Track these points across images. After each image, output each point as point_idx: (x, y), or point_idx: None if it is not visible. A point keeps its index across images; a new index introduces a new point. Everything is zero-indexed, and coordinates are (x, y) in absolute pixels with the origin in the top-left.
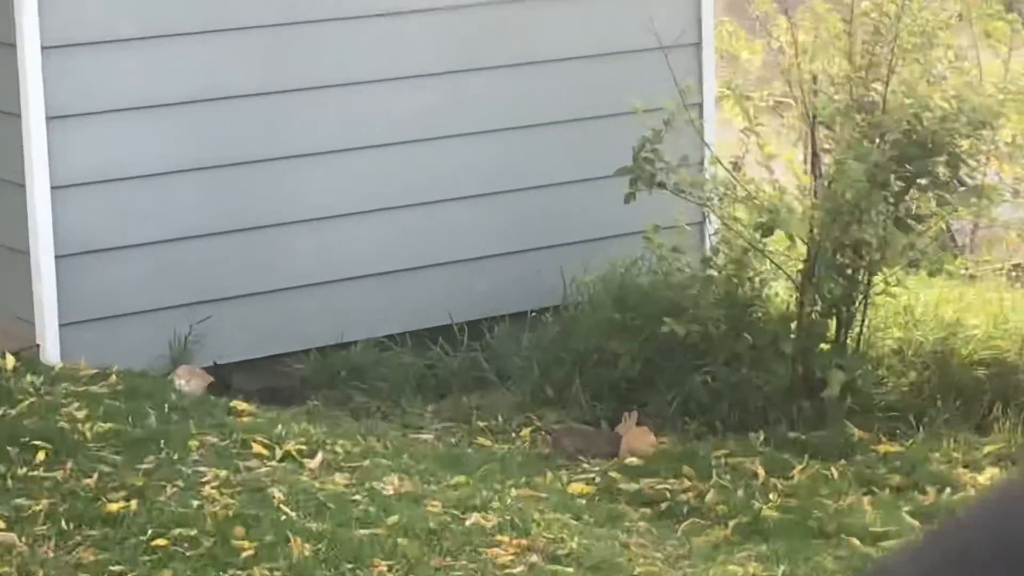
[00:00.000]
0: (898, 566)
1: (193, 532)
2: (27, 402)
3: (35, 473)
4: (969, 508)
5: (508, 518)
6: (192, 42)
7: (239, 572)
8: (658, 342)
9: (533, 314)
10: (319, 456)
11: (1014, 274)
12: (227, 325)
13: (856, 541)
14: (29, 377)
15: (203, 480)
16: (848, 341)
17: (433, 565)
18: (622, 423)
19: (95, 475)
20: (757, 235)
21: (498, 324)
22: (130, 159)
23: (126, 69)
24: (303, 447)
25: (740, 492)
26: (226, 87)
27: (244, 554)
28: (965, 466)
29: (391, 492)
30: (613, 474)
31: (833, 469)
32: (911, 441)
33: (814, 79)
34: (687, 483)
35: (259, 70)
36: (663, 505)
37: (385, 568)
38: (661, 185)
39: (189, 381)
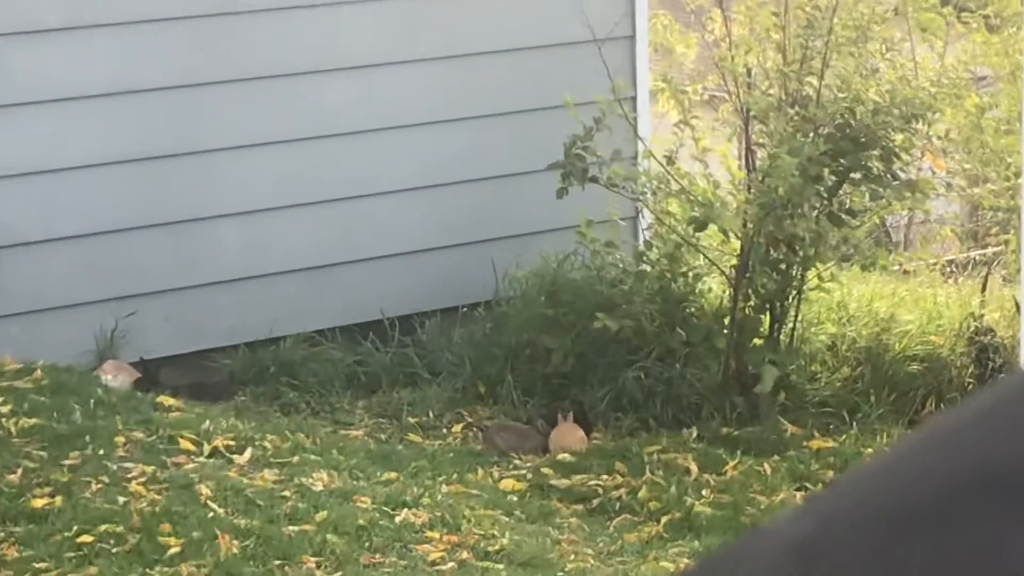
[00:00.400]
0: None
1: (119, 529)
2: None
3: None
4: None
5: (439, 515)
6: (118, 33)
7: (166, 569)
8: (591, 338)
9: (465, 309)
10: (247, 452)
11: (948, 270)
12: (154, 320)
13: None
14: None
15: (129, 476)
16: (781, 337)
17: (363, 562)
18: (559, 424)
19: (19, 471)
20: (691, 230)
21: (429, 319)
22: (55, 151)
23: (51, 60)
24: (231, 443)
25: (672, 488)
26: (152, 79)
27: (171, 551)
28: None
29: (320, 488)
30: (545, 470)
31: (766, 465)
32: (844, 437)
33: (748, 73)
34: (619, 479)
35: (186, 61)
36: (595, 501)
37: (314, 565)
38: (593, 180)
39: (116, 376)
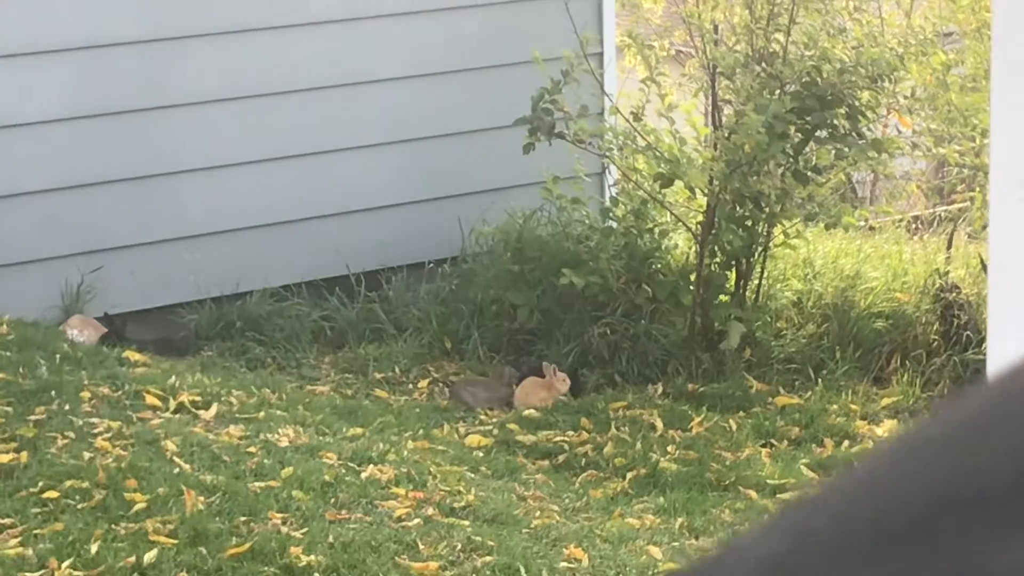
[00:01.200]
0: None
1: (85, 484)
2: None
3: None
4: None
5: (404, 471)
6: None
7: (131, 525)
8: (556, 294)
9: (431, 265)
10: (213, 408)
11: (913, 226)
12: (119, 275)
13: (754, 493)
14: None
15: (95, 432)
16: (747, 293)
17: (328, 518)
18: (546, 376)
19: None
20: (657, 186)
21: (395, 275)
22: (17, 106)
23: (13, 14)
24: (197, 399)
25: (638, 444)
26: (116, 34)
27: (136, 507)
28: (863, 418)
29: (286, 444)
30: (511, 426)
31: (731, 421)
32: (809, 393)
33: (715, 29)
34: (585, 436)
35: (149, 17)
36: (560, 457)
37: (280, 521)
38: (560, 136)
39: (82, 331)
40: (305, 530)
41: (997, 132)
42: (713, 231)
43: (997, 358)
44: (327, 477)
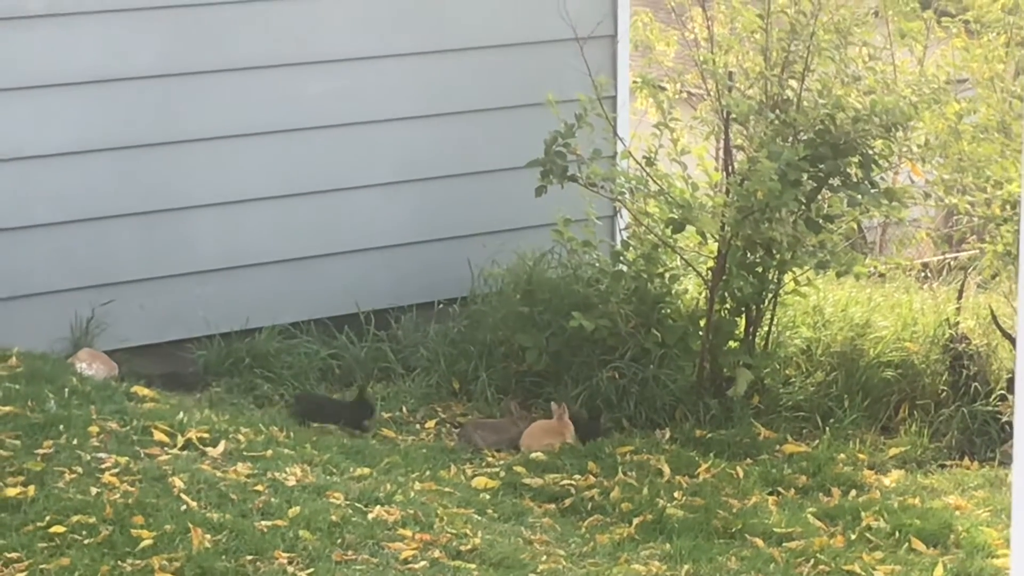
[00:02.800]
0: None
1: (92, 520)
2: None
3: None
4: None
5: (411, 512)
6: (100, 20)
7: (137, 562)
8: (566, 336)
9: (440, 305)
10: (221, 445)
11: (923, 274)
12: (129, 309)
13: (760, 541)
14: None
15: (103, 467)
16: (756, 340)
17: (334, 559)
18: (555, 413)
19: None
20: (668, 231)
21: (405, 314)
22: (33, 138)
23: (32, 46)
24: (205, 435)
25: (645, 490)
26: (131, 67)
27: (143, 543)
28: (870, 468)
29: (294, 483)
30: (518, 468)
31: (739, 468)
32: (817, 441)
33: (729, 75)
34: (591, 479)
35: (165, 51)
36: (567, 501)
37: (286, 561)
38: (572, 179)
39: (91, 364)
40: (311, 570)
41: None
42: (724, 277)
43: None
44: (334, 517)
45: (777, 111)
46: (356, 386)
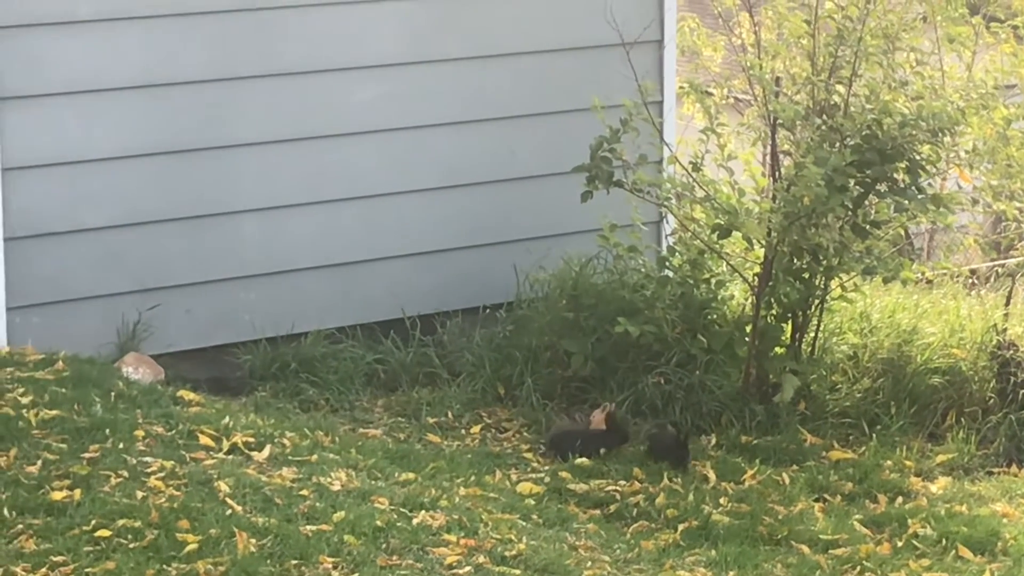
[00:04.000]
0: None
1: (137, 524)
2: None
3: None
4: None
5: (456, 517)
6: (147, 26)
7: (182, 566)
8: (611, 342)
9: (486, 310)
10: (266, 449)
11: (971, 280)
12: (175, 313)
13: (806, 548)
14: None
15: (148, 471)
16: (803, 346)
17: (379, 564)
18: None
19: (39, 463)
20: (714, 237)
21: (450, 319)
22: (81, 143)
23: (80, 51)
24: (250, 439)
25: (690, 496)
26: (180, 72)
27: (188, 548)
28: (917, 475)
29: (338, 488)
30: (562, 474)
31: (785, 475)
32: (864, 448)
33: (776, 81)
34: (637, 485)
35: (213, 56)
36: (612, 507)
37: (331, 566)
38: (618, 184)
39: (137, 369)
40: (356, 575)
41: None
42: (770, 283)
43: None
44: (379, 522)
45: (824, 116)
46: (604, 411)
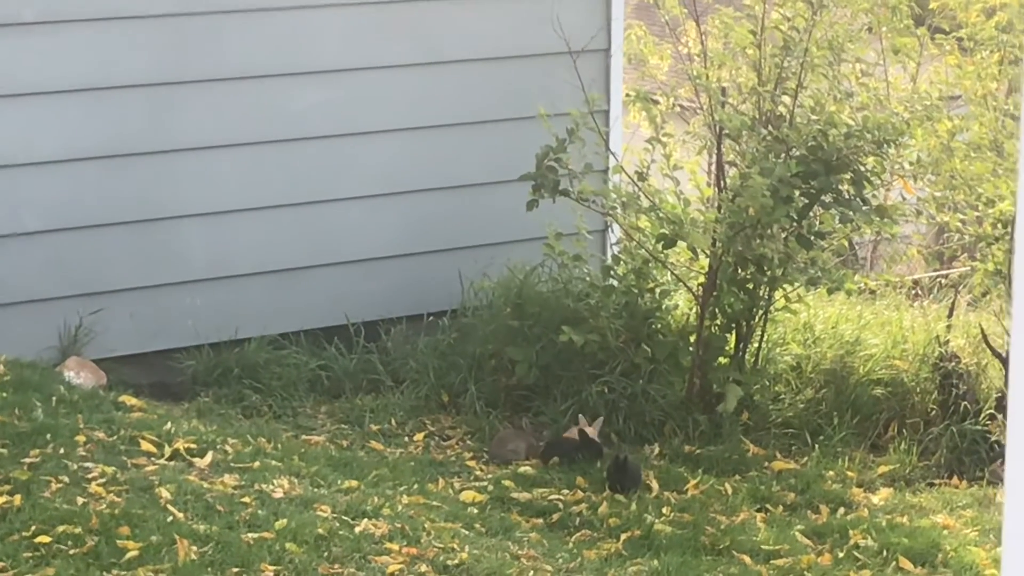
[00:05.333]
0: None
1: (77, 530)
2: None
3: None
4: None
5: (398, 526)
6: (91, 29)
7: (123, 573)
8: (556, 351)
9: (430, 317)
10: (208, 456)
11: (913, 291)
12: (118, 318)
13: (748, 558)
14: None
15: (89, 477)
16: (747, 356)
17: (321, 572)
18: (580, 423)
19: None
20: (659, 246)
21: (394, 326)
22: (23, 145)
23: (24, 54)
24: (193, 446)
25: (633, 505)
26: (123, 76)
27: (129, 554)
28: (859, 485)
29: (281, 495)
30: (506, 483)
31: (727, 485)
32: (806, 459)
33: (722, 90)
34: (580, 494)
35: (157, 60)
36: (555, 516)
37: (272, 574)
38: (564, 193)
39: (79, 373)
40: None
41: None
42: (714, 293)
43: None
44: (321, 530)
45: (770, 127)
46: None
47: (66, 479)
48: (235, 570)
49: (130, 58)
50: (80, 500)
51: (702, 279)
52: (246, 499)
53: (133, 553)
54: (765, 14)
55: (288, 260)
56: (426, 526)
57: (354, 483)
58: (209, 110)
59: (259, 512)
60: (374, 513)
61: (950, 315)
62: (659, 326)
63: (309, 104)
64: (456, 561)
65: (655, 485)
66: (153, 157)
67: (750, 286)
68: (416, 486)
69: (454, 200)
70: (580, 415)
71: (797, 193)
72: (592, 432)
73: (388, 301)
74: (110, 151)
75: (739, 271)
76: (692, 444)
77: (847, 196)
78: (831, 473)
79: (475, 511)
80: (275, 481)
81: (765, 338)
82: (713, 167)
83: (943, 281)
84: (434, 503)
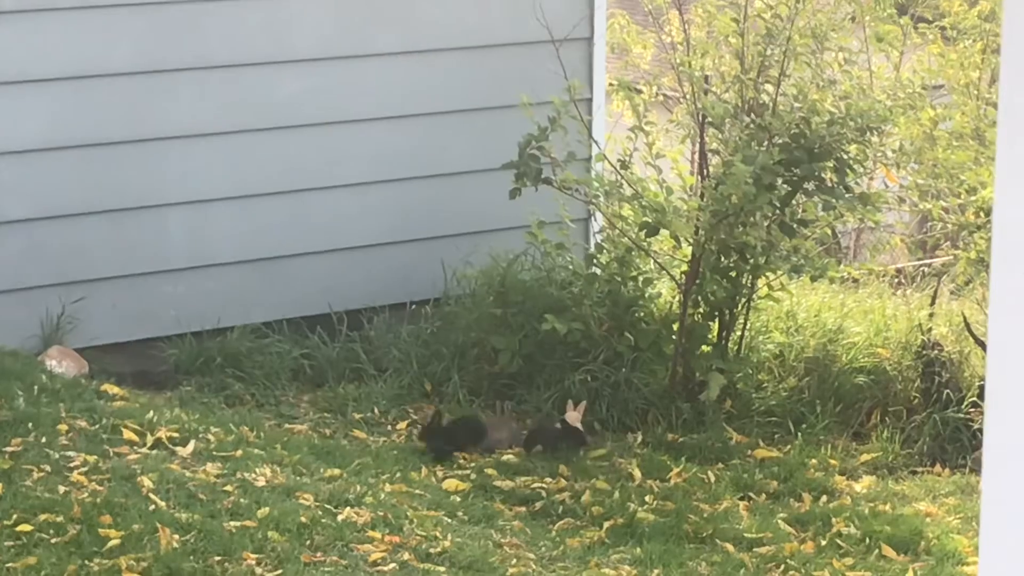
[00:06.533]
0: None
1: (59, 519)
2: None
3: None
4: None
5: (381, 514)
6: (73, 17)
7: (105, 561)
8: (539, 339)
9: (413, 306)
10: (191, 444)
11: (896, 280)
12: (100, 306)
13: (731, 546)
14: None
15: (71, 465)
16: (729, 344)
17: (303, 560)
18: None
19: None
20: (642, 234)
21: (377, 315)
22: (6, 134)
23: (5, 42)
24: (175, 434)
25: (616, 493)
26: (104, 64)
27: (111, 543)
28: (842, 473)
29: (263, 484)
30: (488, 471)
31: (710, 473)
32: (789, 447)
33: (705, 79)
34: (563, 483)
35: (140, 48)
36: (538, 504)
37: (254, 562)
38: (547, 181)
39: (61, 362)
40: (279, 572)
41: (1002, 204)
42: (697, 281)
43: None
44: (303, 518)
45: (752, 115)
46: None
47: (48, 468)
48: (217, 558)
49: (113, 47)
50: (62, 489)
51: (685, 267)
52: (228, 487)
53: (115, 542)
54: (748, 2)
55: (270, 249)
56: (409, 514)
57: (337, 471)
58: (192, 98)
59: (241, 500)
60: (356, 501)
61: (933, 303)
62: (642, 314)
63: (292, 92)
64: (439, 549)
65: (638, 473)
66: (135, 145)
67: (733, 274)
68: (399, 474)
69: (437, 188)
70: (570, 400)
71: (780, 181)
72: (576, 418)
73: (371, 290)
74: (92, 139)
75: (722, 259)
76: (675, 432)
77: (830, 184)
78: (814, 461)
79: (458, 499)
80: (257, 469)
81: (748, 326)
82: (696, 155)
83: (926, 269)
84: (417, 491)
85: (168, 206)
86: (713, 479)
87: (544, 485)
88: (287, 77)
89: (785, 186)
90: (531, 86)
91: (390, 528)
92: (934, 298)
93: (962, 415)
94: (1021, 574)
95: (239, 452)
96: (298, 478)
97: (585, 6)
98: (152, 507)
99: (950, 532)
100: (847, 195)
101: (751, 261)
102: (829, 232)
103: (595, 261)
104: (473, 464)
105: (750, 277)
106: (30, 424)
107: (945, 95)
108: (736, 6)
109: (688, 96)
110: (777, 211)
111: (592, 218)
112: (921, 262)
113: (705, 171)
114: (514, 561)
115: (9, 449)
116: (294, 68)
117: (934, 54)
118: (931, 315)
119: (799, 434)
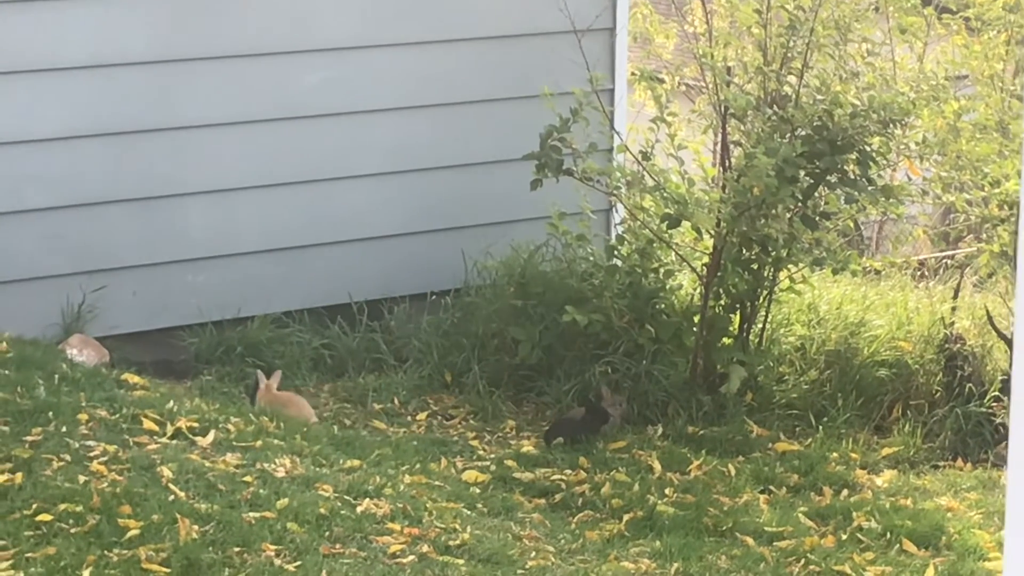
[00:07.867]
0: None
1: (79, 508)
2: None
3: None
4: None
5: (400, 505)
6: (92, 5)
7: (124, 551)
8: (559, 330)
9: (433, 296)
10: (211, 435)
11: (919, 272)
12: (122, 295)
13: (751, 540)
14: None
15: (91, 455)
16: (750, 337)
17: (322, 552)
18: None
19: None
20: (663, 226)
21: (398, 305)
22: (26, 123)
23: (28, 30)
24: (195, 424)
25: (636, 486)
26: (129, 53)
27: (130, 533)
28: (863, 467)
29: (283, 475)
30: (508, 463)
31: (730, 466)
32: (810, 440)
33: (727, 70)
34: (583, 475)
35: (163, 37)
36: (557, 496)
37: (273, 553)
38: (568, 172)
39: (82, 351)
40: (299, 563)
41: None
42: (719, 273)
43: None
44: (322, 510)
45: (775, 107)
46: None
47: (68, 457)
48: (236, 549)
49: (136, 35)
50: (82, 478)
51: (706, 259)
52: (248, 478)
53: (134, 532)
54: None
55: (291, 238)
56: (428, 506)
57: (356, 463)
58: (214, 88)
59: (261, 491)
60: (376, 493)
61: (955, 296)
62: (663, 306)
63: (314, 82)
64: (458, 541)
65: (658, 466)
66: (157, 134)
67: (754, 266)
68: (418, 466)
69: (458, 179)
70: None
71: (802, 173)
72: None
73: (391, 280)
74: (114, 128)
75: (743, 251)
76: (695, 425)
77: (852, 176)
78: (835, 455)
79: (477, 491)
80: (277, 460)
81: (769, 319)
82: (718, 147)
83: (949, 262)
84: (436, 483)
85: (189, 195)
86: (733, 472)
87: (564, 477)
88: (309, 66)
89: (807, 178)
90: (553, 76)
91: (409, 520)
92: (957, 291)
93: (984, 409)
94: None
95: (259, 443)
96: (318, 469)
97: None
98: (171, 497)
99: (972, 527)
100: (870, 187)
101: (773, 253)
102: (851, 224)
103: (616, 253)
104: (492, 456)
105: (772, 269)
106: (50, 413)
107: (969, 86)
108: None
109: (710, 87)
110: (799, 203)
111: (613, 209)
112: (944, 254)
113: (727, 163)
114: (533, 554)
115: (29, 438)
116: (316, 57)
117: (958, 45)
118: (954, 308)
119: (820, 427)
